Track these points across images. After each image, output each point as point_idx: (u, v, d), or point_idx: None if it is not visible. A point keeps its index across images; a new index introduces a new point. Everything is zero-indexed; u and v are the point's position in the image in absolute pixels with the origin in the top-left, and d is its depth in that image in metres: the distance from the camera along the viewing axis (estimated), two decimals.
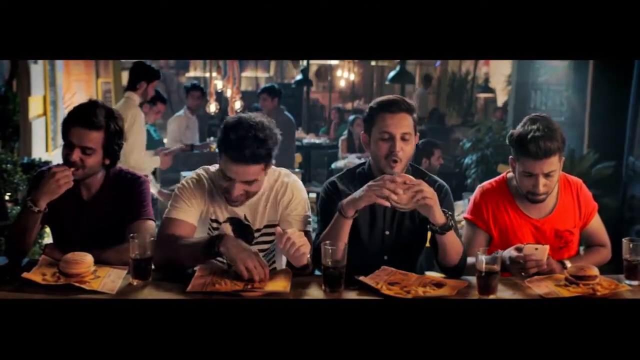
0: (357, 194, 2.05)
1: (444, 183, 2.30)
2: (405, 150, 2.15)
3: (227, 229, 2.20)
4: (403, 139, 2.14)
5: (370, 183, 2.04)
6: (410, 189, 1.98)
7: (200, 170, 2.24)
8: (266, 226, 2.22)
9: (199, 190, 2.18)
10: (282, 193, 2.21)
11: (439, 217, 2.03)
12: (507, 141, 2.33)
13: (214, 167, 2.24)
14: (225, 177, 2.06)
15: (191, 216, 2.15)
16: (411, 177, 2.03)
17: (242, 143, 1.99)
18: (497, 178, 2.45)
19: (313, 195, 7.04)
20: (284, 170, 2.29)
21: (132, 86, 4.26)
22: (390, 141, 2.14)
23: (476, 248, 2.14)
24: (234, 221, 2.20)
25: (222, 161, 2.07)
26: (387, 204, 2.00)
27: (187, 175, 2.31)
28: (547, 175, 2.20)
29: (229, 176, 2.05)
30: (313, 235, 2.27)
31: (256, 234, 2.22)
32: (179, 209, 2.15)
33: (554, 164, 2.19)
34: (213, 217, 2.20)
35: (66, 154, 2.15)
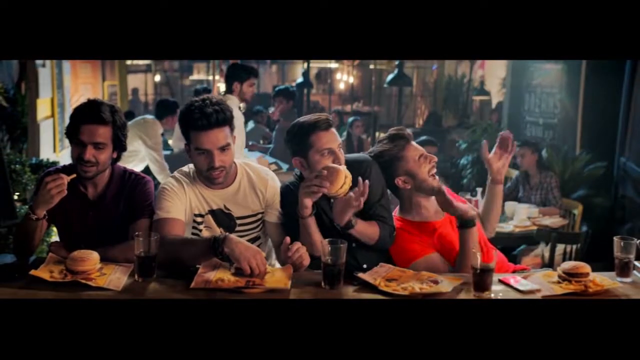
0: (299, 198, 2.14)
1: (367, 157, 2.38)
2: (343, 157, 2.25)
3: (210, 220, 2.25)
4: (339, 150, 2.25)
5: (301, 186, 2.13)
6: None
7: (175, 173, 2.31)
8: (251, 215, 2.29)
9: (179, 189, 2.22)
10: (263, 184, 2.30)
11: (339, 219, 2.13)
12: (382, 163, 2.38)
13: (187, 168, 2.31)
14: (201, 153, 2.13)
15: (178, 213, 2.19)
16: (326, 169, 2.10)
17: (203, 110, 2.09)
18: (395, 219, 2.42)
19: None
20: (252, 162, 2.43)
21: (228, 89, 4.21)
22: (333, 154, 2.23)
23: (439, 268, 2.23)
24: (215, 212, 2.26)
25: (193, 143, 2.14)
26: (319, 195, 2.09)
27: None
28: None
29: (204, 148, 2.12)
30: None
31: (239, 222, 2.28)
32: (165, 209, 2.18)
33: None
34: (196, 212, 2.25)
35: (78, 154, 2.15)
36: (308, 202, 2.12)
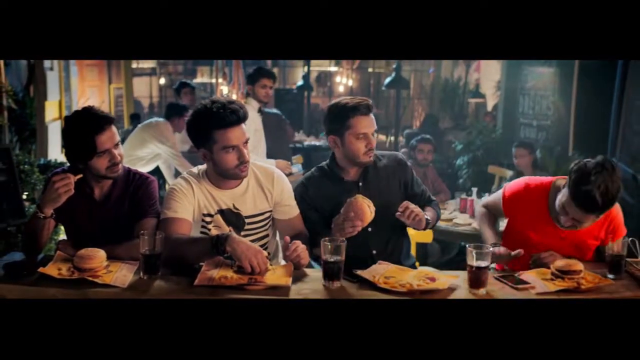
0: (334, 231, 2.17)
1: (399, 153, 2.51)
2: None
3: (219, 219, 2.24)
4: (373, 135, 2.33)
5: (334, 228, 2.17)
6: (406, 215, 2.18)
7: (184, 174, 2.29)
8: (259, 214, 2.28)
9: (188, 190, 2.21)
10: (270, 182, 2.29)
11: (424, 223, 2.26)
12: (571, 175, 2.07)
13: (196, 169, 2.30)
14: (229, 151, 2.12)
15: (185, 213, 2.18)
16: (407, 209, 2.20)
17: (228, 108, 2.10)
18: (545, 180, 2.31)
19: None
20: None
21: (248, 92, 4.30)
22: (366, 139, 2.30)
23: (490, 213, 2.45)
24: (224, 212, 2.24)
25: (219, 142, 2.12)
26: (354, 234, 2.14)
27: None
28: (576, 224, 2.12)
29: (233, 145, 2.12)
30: None
31: (248, 220, 2.27)
32: (173, 209, 2.17)
33: (591, 219, 2.08)
34: (205, 212, 2.24)
35: (108, 161, 2.15)
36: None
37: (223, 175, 2.20)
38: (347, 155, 2.33)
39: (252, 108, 4.12)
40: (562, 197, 2.10)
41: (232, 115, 2.10)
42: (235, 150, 2.13)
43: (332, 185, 2.39)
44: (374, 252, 2.37)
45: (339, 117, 2.30)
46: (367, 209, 2.13)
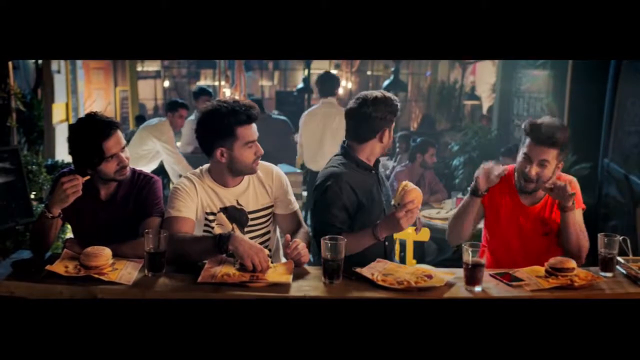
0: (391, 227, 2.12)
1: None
2: None
3: (222, 217, 2.24)
4: None
5: (399, 220, 2.07)
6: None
7: (187, 174, 2.29)
8: (261, 209, 2.29)
9: (191, 189, 2.21)
10: (270, 178, 2.31)
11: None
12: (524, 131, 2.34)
13: (198, 169, 2.30)
14: (250, 147, 2.16)
15: (189, 212, 2.18)
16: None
17: (246, 105, 2.14)
18: (506, 166, 2.44)
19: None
20: None
21: (330, 93, 4.89)
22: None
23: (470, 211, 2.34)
24: (228, 209, 2.25)
25: (241, 139, 2.14)
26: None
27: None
28: (540, 164, 2.26)
29: (252, 140, 2.16)
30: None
31: (251, 216, 2.27)
32: (176, 208, 2.17)
33: (549, 154, 2.25)
34: (208, 210, 2.23)
35: (117, 165, 2.15)
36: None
37: (238, 172, 2.21)
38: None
39: (337, 109, 4.68)
40: (522, 146, 2.31)
41: (252, 111, 2.14)
42: (254, 145, 2.16)
43: (363, 175, 2.32)
44: (387, 243, 2.36)
45: (392, 110, 2.34)
46: (419, 191, 2.10)
